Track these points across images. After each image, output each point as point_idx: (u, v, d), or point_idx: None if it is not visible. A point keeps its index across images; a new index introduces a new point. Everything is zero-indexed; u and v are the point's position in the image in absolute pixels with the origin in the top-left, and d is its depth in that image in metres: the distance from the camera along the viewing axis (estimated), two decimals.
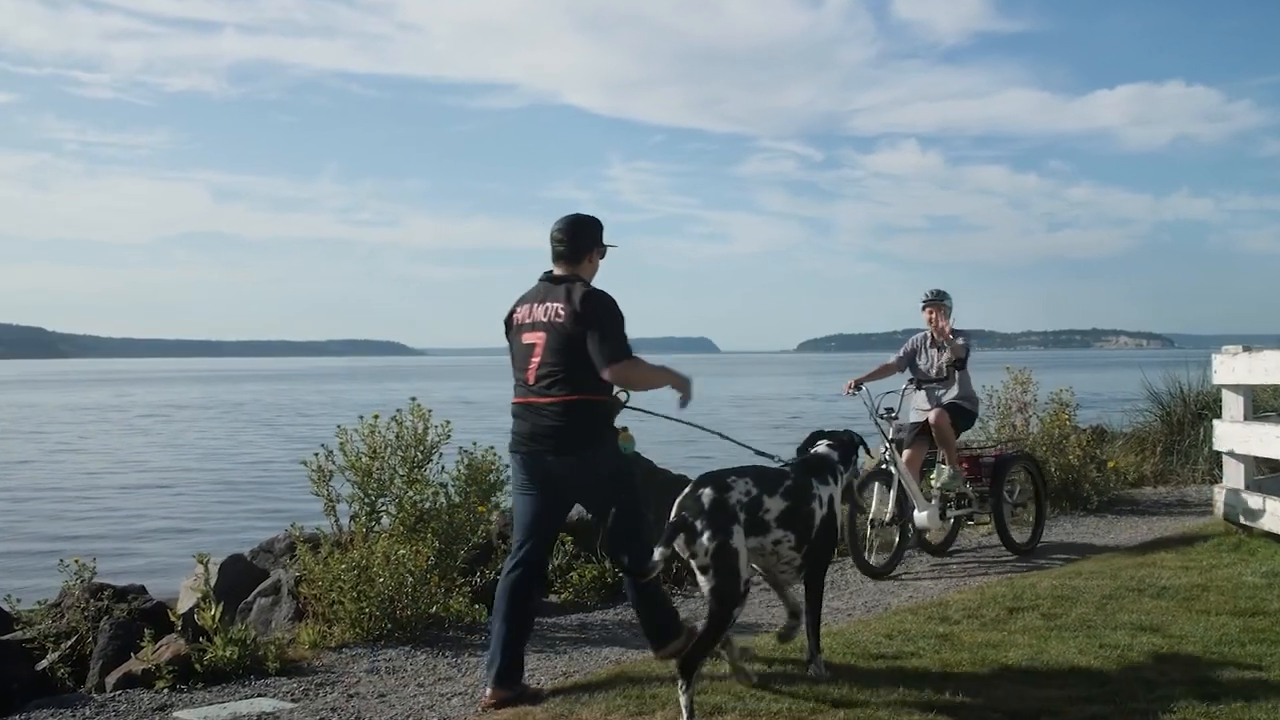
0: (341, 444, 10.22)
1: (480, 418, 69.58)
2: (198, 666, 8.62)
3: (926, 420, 13.21)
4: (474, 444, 10.89)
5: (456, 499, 10.46)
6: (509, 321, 8.31)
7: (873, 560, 12.53)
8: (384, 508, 10.29)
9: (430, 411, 10.54)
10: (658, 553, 7.11)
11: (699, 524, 7.21)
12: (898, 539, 12.85)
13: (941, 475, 13.19)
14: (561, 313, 7.94)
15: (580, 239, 8.22)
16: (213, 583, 12.06)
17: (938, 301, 13.66)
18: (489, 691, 7.79)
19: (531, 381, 8.00)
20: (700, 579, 7.29)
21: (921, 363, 13.76)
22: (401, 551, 9.69)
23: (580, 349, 7.85)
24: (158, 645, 8.93)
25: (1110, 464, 17.78)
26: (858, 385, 13.08)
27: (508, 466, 10.55)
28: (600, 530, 8.41)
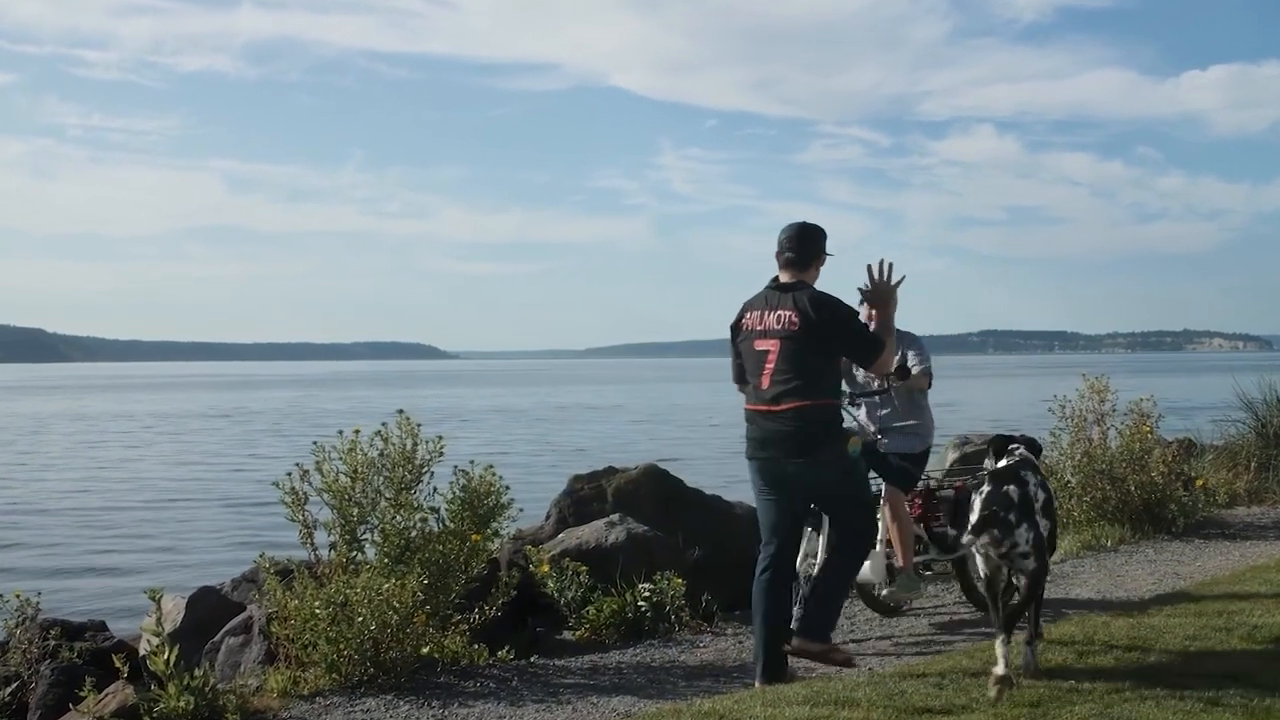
0: (318, 463, 9.81)
1: (520, 427, 69.65)
2: (147, 718, 8.23)
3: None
4: (471, 462, 10.47)
5: (450, 525, 10.05)
6: (737, 327, 9.39)
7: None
8: (365, 535, 9.88)
9: (420, 426, 10.14)
10: (967, 539, 8.84)
11: (1013, 517, 8.71)
12: None
13: (899, 580, 11.27)
14: (795, 320, 9.00)
15: (808, 246, 9.31)
16: (178, 619, 11.73)
17: None
18: (758, 685, 9.02)
19: (765, 387, 9.06)
20: (1018, 564, 8.82)
21: (860, 373, 11.60)
22: (386, 585, 9.25)
23: (812, 356, 9.01)
24: (102, 694, 8.58)
25: (1199, 482, 17.31)
26: None
27: (509, 488, 10.28)
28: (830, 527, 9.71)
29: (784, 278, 9.28)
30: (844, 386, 11.32)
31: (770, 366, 9.04)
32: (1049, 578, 12.41)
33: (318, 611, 9.15)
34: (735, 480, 16.58)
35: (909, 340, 11.33)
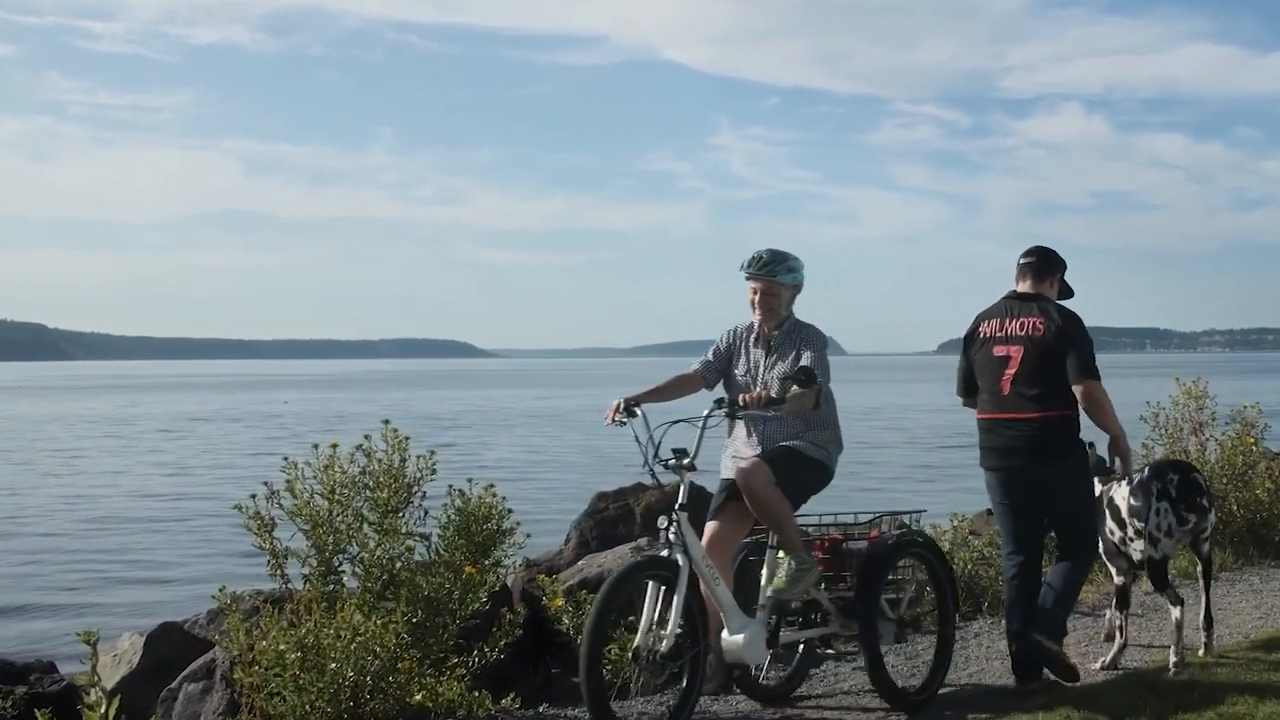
0: (290, 482, 9.30)
1: (558, 433, 69.36)
2: None
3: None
4: (469, 481, 9.99)
5: (444, 554, 9.56)
6: (971, 337, 10.15)
7: None
8: (343, 567, 9.37)
9: (408, 439, 9.61)
10: (1192, 519, 10.34)
11: (1205, 501, 10.46)
12: (685, 683, 8.95)
13: (780, 572, 9.34)
14: (1040, 326, 9.78)
15: (1048, 262, 10.20)
16: (135, 660, 11.24)
17: (766, 275, 9.78)
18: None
19: (1006, 393, 9.83)
20: (1201, 546, 10.79)
21: (740, 372, 9.98)
22: (367, 625, 8.72)
23: (1057, 363, 9.71)
24: None
25: None
26: (629, 408, 9.50)
27: (512, 511, 9.93)
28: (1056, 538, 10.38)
29: (1023, 288, 10.12)
30: (720, 390, 10.06)
31: (1011, 372, 9.80)
32: (1140, 612, 11.95)
33: (286, 655, 8.63)
34: None
35: (809, 339, 9.81)
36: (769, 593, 9.33)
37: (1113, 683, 9.89)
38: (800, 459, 9.49)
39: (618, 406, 9.46)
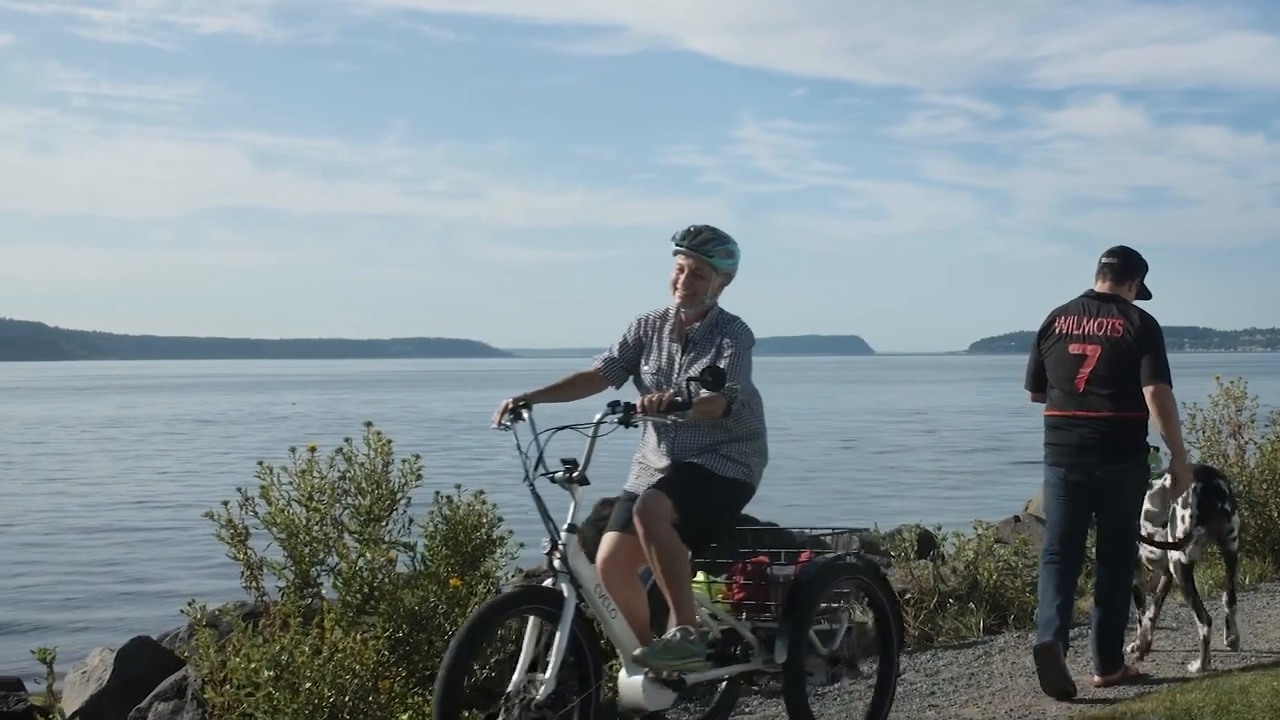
0: (264, 488, 9.04)
1: (574, 438, 68.87)
2: None
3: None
4: (457, 487, 9.70)
5: (431, 565, 9.29)
6: (1047, 331, 10.59)
7: None
8: (320, 578, 9.11)
9: (390, 442, 9.35)
10: (1196, 530, 10.91)
11: (1227, 506, 11.11)
12: None
13: (663, 637, 8.23)
14: (1119, 328, 10.21)
15: (1130, 264, 10.66)
16: (105, 678, 11.01)
17: (699, 252, 8.63)
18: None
19: (1080, 391, 10.25)
20: (1224, 548, 11.37)
21: (650, 369, 8.86)
22: (346, 642, 8.48)
23: (1133, 365, 10.14)
24: None
25: None
26: (516, 410, 8.47)
27: (502, 519, 9.76)
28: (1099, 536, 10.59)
29: (1101, 288, 10.57)
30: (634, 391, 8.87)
31: (1086, 371, 10.23)
32: (1174, 623, 11.73)
33: (259, 673, 8.38)
34: (795, 506, 15.79)
35: (733, 334, 8.60)
36: (635, 652, 8.04)
37: (1142, 703, 9.65)
38: (713, 482, 8.39)
39: (505, 407, 8.46)
